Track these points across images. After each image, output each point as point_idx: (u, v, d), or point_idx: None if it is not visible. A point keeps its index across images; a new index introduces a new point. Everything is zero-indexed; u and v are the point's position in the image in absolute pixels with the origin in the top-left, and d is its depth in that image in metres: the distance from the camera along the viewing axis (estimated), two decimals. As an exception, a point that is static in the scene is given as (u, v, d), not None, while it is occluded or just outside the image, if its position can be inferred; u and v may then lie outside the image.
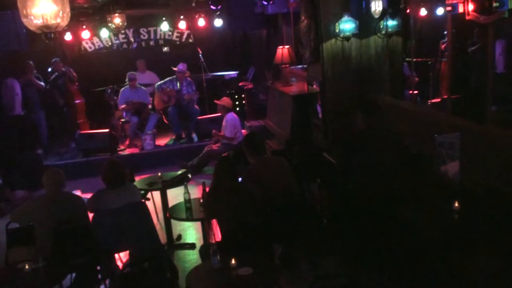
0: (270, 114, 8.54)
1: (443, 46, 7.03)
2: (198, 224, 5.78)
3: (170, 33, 11.44)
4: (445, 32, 5.61)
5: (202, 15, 10.95)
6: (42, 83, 9.62)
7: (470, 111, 5.31)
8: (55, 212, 4.37)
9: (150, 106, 9.84)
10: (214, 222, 4.53)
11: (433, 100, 6.92)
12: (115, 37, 11.15)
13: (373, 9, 5.72)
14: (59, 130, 10.14)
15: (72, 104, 9.87)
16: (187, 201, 4.97)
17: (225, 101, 8.33)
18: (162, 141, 9.83)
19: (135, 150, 9.31)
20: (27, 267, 3.74)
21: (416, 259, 3.63)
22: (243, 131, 8.48)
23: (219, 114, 8.69)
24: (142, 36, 11.39)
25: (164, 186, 5.80)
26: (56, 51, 10.10)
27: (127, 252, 4.84)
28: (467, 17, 4.53)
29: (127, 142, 9.56)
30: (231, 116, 8.19)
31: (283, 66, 8.47)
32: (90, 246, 4.42)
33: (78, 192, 5.42)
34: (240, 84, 10.91)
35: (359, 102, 4.68)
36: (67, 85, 9.75)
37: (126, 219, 4.50)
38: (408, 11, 6.22)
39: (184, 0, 10.65)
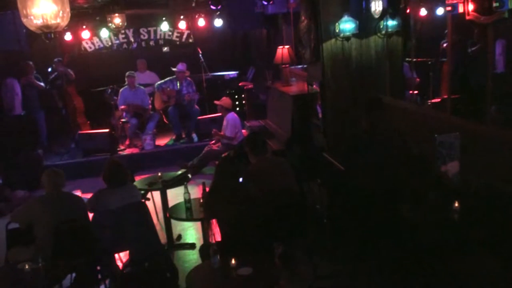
0: (270, 114, 8.54)
1: (444, 45, 7.02)
2: (198, 224, 5.78)
3: (170, 33, 11.44)
4: (446, 31, 5.60)
5: (202, 15, 10.95)
6: (42, 84, 9.63)
7: (470, 111, 5.31)
8: (55, 212, 4.37)
9: (150, 107, 9.84)
10: (214, 222, 4.53)
11: (433, 100, 6.91)
12: (115, 37, 11.15)
13: (373, 9, 5.72)
14: (59, 131, 10.14)
15: (70, 105, 9.87)
16: (187, 201, 4.97)
17: (225, 101, 8.33)
18: (162, 141, 9.83)
19: (135, 150, 9.31)
20: (27, 267, 3.74)
21: (416, 259, 3.64)
22: (243, 131, 8.48)
23: (220, 114, 8.69)
24: (142, 36, 11.39)
25: (164, 186, 5.80)
26: (56, 51, 10.10)
27: (127, 252, 4.84)
28: (467, 17, 4.52)
29: (127, 142, 9.56)
30: (232, 116, 8.19)
31: (283, 66, 8.46)
32: (90, 246, 4.42)
33: (78, 192, 5.42)
34: (240, 84, 10.91)
35: (365, 101, 4.68)
36: (65, 86, 9.75)
37: (126, 219, 4.50)
38: (408, 11, 6.20)
39: (184, 0, 10.65)
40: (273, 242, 4.46)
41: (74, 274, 4.40)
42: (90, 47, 11.13)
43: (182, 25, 11.13)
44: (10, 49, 8.48)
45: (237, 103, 10.85)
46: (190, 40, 11.57)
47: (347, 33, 5.70)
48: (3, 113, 8.89)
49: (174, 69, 9.68)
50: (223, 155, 5.97)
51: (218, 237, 4.62)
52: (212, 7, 9.11)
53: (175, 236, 5.89)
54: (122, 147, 9.40)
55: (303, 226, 4.69)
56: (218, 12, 10.53)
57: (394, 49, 5.93)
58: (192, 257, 5.43)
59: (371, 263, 4.36)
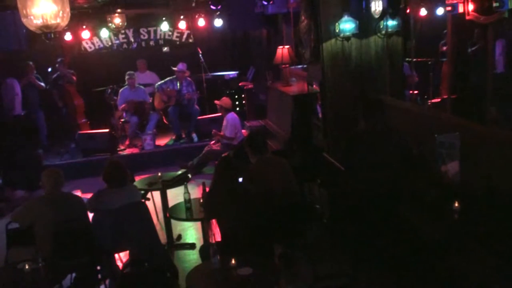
0: (270, 114, 8.56)
1: (444, 48, 7.03)
2: (198, 224, 5.78)
3: (170, 33, 11.44)
4: (445, 31, 5.61)
5: (202, 15, 10.95)
6: (42, 84, 9.63)
7: (470, 111, 5.31)
8: (55, 212, 4.37)
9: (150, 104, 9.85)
10: (214, 222, 4.53)
11: (433, 100, 6.92)
12: (115, 37, 11.14)
13: (373, 9, 5.72)
14: (59, 130, 10.14)
15: (71, 105, 9.88)
16: (187, 201, 4.97)
17: (224, 101, 8.34)
18: (162, 141, 9.83)
19: (135, 150, 9.31)
20: (27, 267, 3.74)
21: (416, 259, 3.64)
22: (243, 131, 8.48)
23: (219, 114, 8.69)
24: (142, 36, 11.39)
25: (164, 186, 5.80)
26: (56, 51, 10.10)
27: (127, 252, 4.84)
28: (467, 17, 4.53)
29: (127, 142, 9.56)
30: (232, 116, 8.19)
31: (283, 66, 8.47)
32: (90, 246, 4.42)
33: (78, 192, 5.43)
34: (240, 84, 10.91)
35: (364, 102, 4.68)
36: (65, 86, 9.76)
37: (126, 219, 4.50)
38: (408, 11, 6.21)
39: (184, 0, 10.65)
40: (273, 242, 4.46)
41: (74, 274, 4.40)
42: (90, 47, 11.12)
43: (182, 25, 11.13)
44: (10, 49, 8.50)
45: (237, 103, 10.85)
46: (190, 40, 11.56)
47: (347, 33, 5.70)
48: (3, 113, 8.90)
49: (174, 68, 9.68)
50: (223, 155, 5.96)
51: (218, 237, 4.62)
52: (212, 7, 9.12)
53: (175, 236, 5.89)
54: (122, 147, 9.40)
55: (303, 226, 4.69)
56: (218, 12, 10.53)
57: (394, 49, 5.93)
58: (192, 257, 5.43)
59: (371, 263, 4.36)
